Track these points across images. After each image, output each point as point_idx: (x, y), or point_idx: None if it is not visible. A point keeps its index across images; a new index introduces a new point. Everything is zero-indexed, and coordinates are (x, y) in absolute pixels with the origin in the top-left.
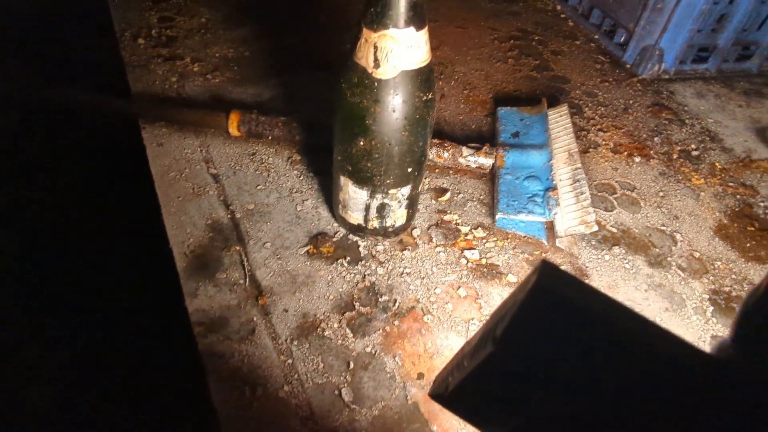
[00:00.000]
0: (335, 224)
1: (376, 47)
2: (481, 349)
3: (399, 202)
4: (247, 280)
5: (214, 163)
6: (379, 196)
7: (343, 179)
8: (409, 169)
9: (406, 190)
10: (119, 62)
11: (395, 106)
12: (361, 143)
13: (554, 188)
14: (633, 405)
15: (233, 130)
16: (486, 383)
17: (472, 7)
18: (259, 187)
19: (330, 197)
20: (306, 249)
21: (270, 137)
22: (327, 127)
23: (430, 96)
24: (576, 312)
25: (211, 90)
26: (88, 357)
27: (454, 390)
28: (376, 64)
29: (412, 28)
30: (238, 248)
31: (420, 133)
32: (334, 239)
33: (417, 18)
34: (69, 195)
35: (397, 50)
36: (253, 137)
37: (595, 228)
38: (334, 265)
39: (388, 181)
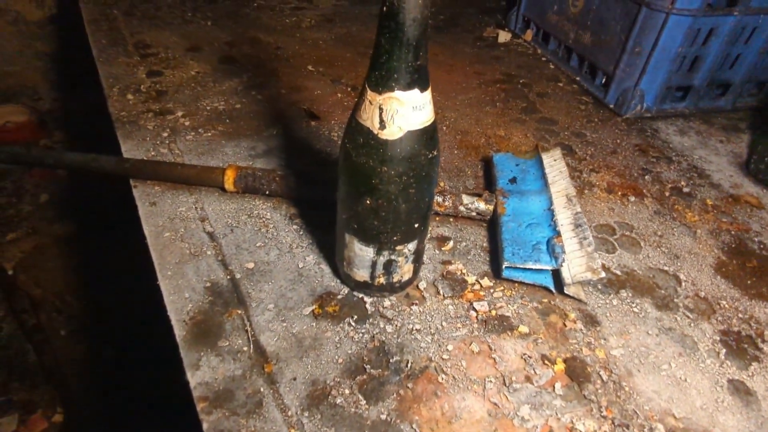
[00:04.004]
0: (339, 281)
1: (381, 109)
2: None
3: (406, 257)
4: (251, 346)
5: (210, 221)
6: (386, 252)
7: (348, 237)
8: (416, 225)
9: (412, 245)
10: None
11: (402, 165)
12: (368, 202)
13: (558, 235)
14: None
15: (229, 186)
16: None
17: (456, 52)
18: (258, 245)
19: (332, 252)
20: (311, 309)
21: (267, 192)
22: (324, 181)
23: (435, 153)
24: None
25: (203, 144)
26: None
27: None
28: (382, 126)
29: (416, 90)
30: (239, 312)
31: (426, 189)
32: (339, 297)
33: (421, 80)
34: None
35: (403, 112)
36: (250, 192)
37: (603, 274)
38: (341, 325)
39: (395, 238)
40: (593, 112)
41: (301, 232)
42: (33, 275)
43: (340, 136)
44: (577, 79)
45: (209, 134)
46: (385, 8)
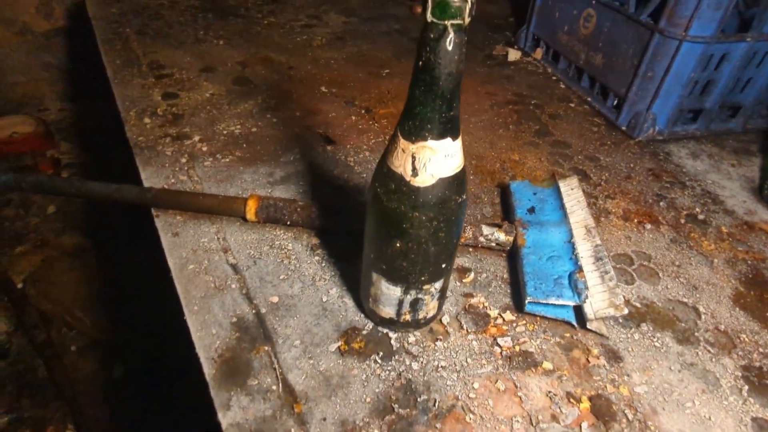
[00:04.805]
0: (363, 315)
1: (414, 157)
2: None
3: (432, 295)
4: (280, 385)
5: (232, 253)
6: (413, 292)
7: (375, 276)
8: (443, 265)
9: (439, 284)
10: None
11: (433, 211)
12: (398, 245)
13: (580, 270)
14: None
15: (251, 216)
16: None
17: (466, 70)
18: (281, 277)
19: (354, 284)
20: (337, 345)
21: (288, 222)
22: (345, 211)
23: (464, 197)
24: None
25: (222, 171)
26: None
27: None
28: (414, 173)
29: (449, 139)
30: (266, 348)
31: (455, 231)
32: (364, 332)
33: (453, 129)
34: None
35: (435, 160)
36: (271, 222)
37: (626, 311)
38: (367, 362)
39: (423, 278)
40: (606, 134)
41: (323, 264)
42: (43, 289)
43: (356, 161)
44: (589, 99)
45: (227, 160)
46: (420, 63)
